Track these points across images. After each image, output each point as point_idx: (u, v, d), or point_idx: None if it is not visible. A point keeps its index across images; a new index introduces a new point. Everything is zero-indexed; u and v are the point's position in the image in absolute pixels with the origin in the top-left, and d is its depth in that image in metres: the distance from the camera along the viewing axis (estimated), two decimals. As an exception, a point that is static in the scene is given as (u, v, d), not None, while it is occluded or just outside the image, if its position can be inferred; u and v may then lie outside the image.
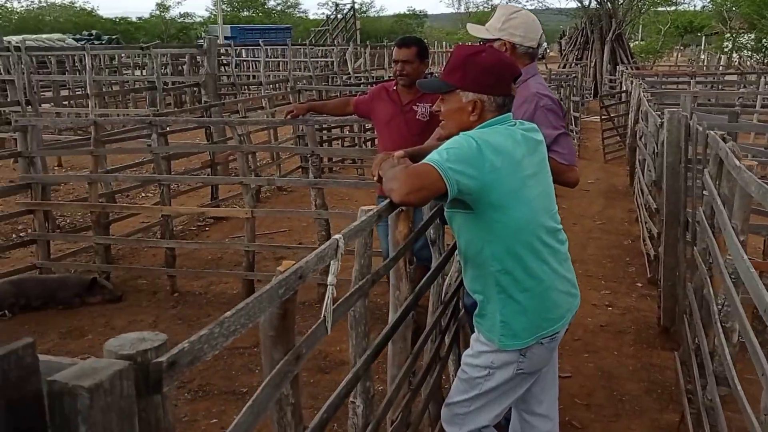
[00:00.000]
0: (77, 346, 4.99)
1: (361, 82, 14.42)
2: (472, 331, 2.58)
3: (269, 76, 20.11)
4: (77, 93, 15.70)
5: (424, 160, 2.13)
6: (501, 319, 2.32)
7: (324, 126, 9.50)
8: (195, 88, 13.81)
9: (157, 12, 62.62)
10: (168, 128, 6.94)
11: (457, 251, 2.66)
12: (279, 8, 67.70)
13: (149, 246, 6.21)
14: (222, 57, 21.05)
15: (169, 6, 63.64)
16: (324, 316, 1.70)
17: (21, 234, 7.60)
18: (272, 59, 24.49)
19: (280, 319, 1.56)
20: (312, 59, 22.00)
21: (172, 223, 7.81)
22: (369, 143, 10.65)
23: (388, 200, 2.12)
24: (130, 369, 0.97)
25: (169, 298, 5.94)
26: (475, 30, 3.13)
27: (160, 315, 5.56)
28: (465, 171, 2.08)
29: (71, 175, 7.39)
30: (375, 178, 2.27)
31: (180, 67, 21.48)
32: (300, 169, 10.29)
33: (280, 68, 23.21)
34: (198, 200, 9.87)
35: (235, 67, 20.59)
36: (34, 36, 36.32)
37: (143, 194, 9.55)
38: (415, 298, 2.51)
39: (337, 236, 1.64)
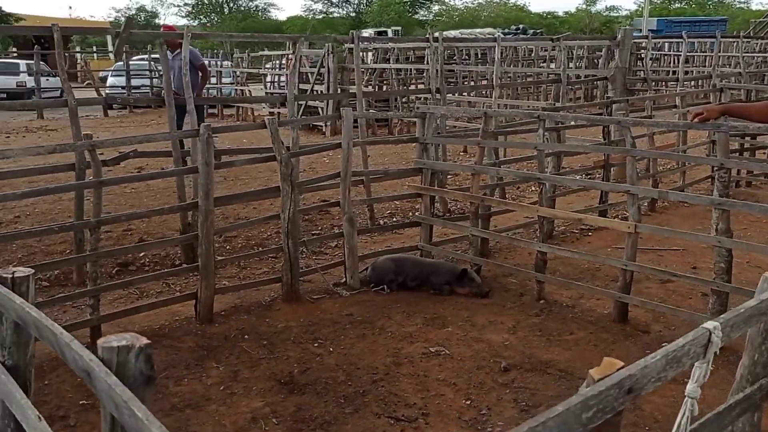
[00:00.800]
0: (436, 335, 5.00)
1: (808, 81, 11.90)
2: None
3: (690, 72, 18.19)
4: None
5: None
6: None
7: (747, 132, 8.01)
8: (606, 82, 13.13)
9: (584, 6, 62.67)
10: (561, 123, 6.56)
11: None
12: (716, -1, 61.52)
13: (521, 246, 5.95)
14: (641, 51, 19.81)
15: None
16: (672, 439, 1.09)
17: (417, 214, 8.11)
18: (697, 53, 22.15)
19: (588, 445, 1.01)
20: (745, 54, 19.19)
21: (549, 225, 7.46)
22: (807, 157, 8.67)
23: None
24: None
25: (534, 304, 5.59)
26: None
27: (521, 321, 5.25)
28: None
29: (457, 164, 7.58)
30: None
31: (596, 60, 20.90)
32: (710, 179, 8.91)
33: (706, 64, 20.85)
34: (587, 201, 9.30)
35: (654, 62, 19.14)
36: (469, 30, 39.60)
37: (533, 188, 9.39)
38: None
39: (709, 325, 1.02)
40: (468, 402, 4.04)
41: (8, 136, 15.74)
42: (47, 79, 23.74)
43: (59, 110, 20.66)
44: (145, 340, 1.11)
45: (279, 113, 15.99)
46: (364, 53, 22.22)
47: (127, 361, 1.03)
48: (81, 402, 3.96)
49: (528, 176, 5.62)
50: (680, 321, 5.12)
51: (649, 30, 33.72)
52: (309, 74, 17.51)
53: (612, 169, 8.02)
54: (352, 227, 5.82)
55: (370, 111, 12.95)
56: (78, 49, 38.78)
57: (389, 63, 17.51)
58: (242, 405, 3.97)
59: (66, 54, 28.36)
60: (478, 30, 41.00)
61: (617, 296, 5.13)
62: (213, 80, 22.55)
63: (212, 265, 5.01)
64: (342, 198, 5.78)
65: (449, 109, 6.95)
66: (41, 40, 23.87)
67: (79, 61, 33.27)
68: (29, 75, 22.72)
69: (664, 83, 17.92)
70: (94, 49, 36.30)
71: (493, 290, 5.91)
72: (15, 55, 30.58)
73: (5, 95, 21.59)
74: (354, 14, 60.63)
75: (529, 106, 13.74)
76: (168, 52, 9.71)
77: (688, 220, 7.89)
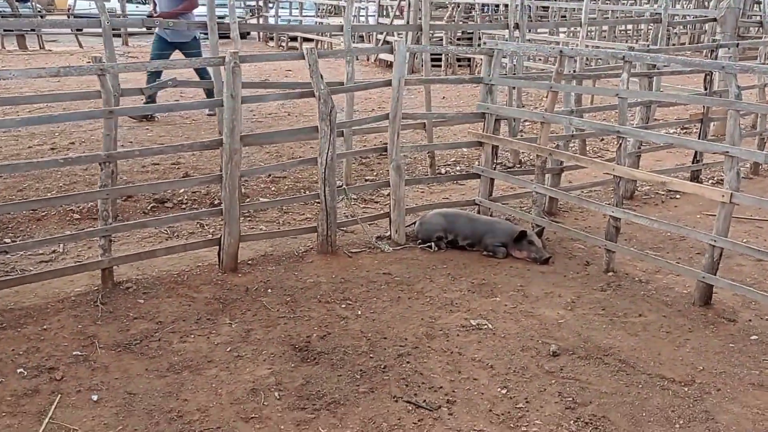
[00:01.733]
0: (481, 305, 4.38)
1: None
2: None
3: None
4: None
5: None
6: None
7: None
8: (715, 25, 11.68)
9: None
10: (654, 68, 5.63)
11: None
12: None
13: (592, 208, 5.17)
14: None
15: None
16: None
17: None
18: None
19: None
20: None
21: (631, 185, 6.56)
22: None
23: None
24: None
25: (601, 276, 4.87)
26: None
27: (582, 296, 4.55)
28: None
29: (523, 110, 6.74)
30: None
31: (706, 3, 18.96)
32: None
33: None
34: (680, 158, 8.29)
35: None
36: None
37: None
38: None
39: None
40: (504, 391, 3.45)
41: (89, 61, 15.81)
42: (137, 6, 23.91)
43: (146, 38, 20.79)
44: None
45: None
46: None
47: None
48: (74, 353, 3.63)
49: (605, 128, 4.81)
50: (776, 310, 4.30)
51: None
52: (390, 7, 16.67)
53: (712, 124, 7.00)
54: (400, 176, 5.21)
55: (442, 46, 12.05)
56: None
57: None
58: (246, 372, 3.53)
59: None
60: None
61: (701, 276, 4.33)
62: (295, 12, 21.99)
63: (237, 210, 4.54)
64: (390, 143, 5.16)
65: (519, 46, 6.10)
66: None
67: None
68: (118, 0, 22.86)
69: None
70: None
71: (555, 256, 5.20)
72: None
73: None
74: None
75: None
76: None
77: (797, 188, 6.84)
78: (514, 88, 7.33)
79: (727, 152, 4.01)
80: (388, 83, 5.01)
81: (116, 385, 3.38)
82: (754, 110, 4.01)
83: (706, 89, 6.60)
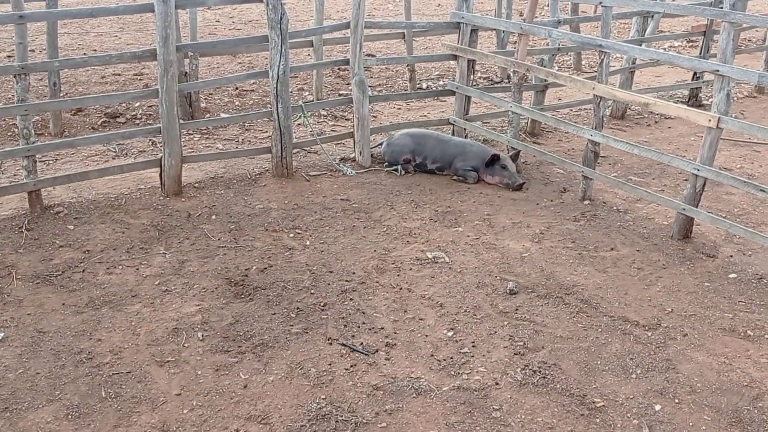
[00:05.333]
0: (441, 235, 4.05)
1: None
2: None
3: None
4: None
5: None
6: None
7: None
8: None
9: None
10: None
11: None
12: None
13: (569, 130, 4.74)
14: None
15: None
16: None
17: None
18: None
19: None
20: None
21: (616, 105, 6.08)
22: None
23: None
24: None
25: (577, 205, 4.51)
26: None
27: (553, 226, 4.21)
28: None
29: (500, 20, 6.17)
30: None
31: None
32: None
33: None
34: (682, 74, 7.76)
35: None
36: None
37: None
38: None
39: None
40: (450, 333, 3.17)
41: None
42: None
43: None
44: None
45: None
46: None
47: None
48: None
49: (585, 41, 4.31)
50: (760, 245, 3.95)
51: None
52: None
53: (716, 38, 6.42)
54: (363, 92, 4.78)
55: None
56: None
57: None
58: (171, 309, 3.25)
59: None
60: None
61: (680, 207, 3.97)
62: None
63: (177, 128, 4.15)
64: (351, 55, 4.71)
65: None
66: None
67: None
68: None
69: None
70: None
71: (530, 182, 4.84)
72: None
73: None
74: None
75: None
76: None
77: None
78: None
79: (717, 71, 3.54)
80: (350, -13, 4.50)
81: (27, 321, 3.12)
82: (750, 23, 3.51)
83: (710, -1, 6.01)
